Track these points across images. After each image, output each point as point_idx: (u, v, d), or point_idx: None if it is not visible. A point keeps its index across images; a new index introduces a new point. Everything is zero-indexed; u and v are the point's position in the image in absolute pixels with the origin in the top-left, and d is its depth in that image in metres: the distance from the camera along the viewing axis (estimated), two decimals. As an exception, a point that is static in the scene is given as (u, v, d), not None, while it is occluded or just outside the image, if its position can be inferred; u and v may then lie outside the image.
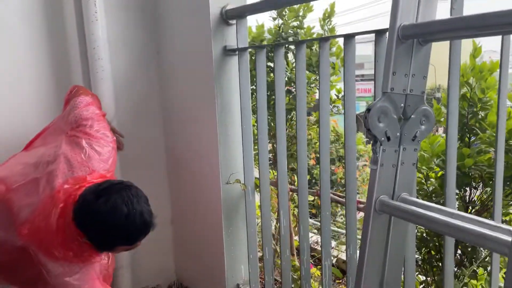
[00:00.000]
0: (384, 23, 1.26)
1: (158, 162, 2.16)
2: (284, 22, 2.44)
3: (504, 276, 1.38)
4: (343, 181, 5.66)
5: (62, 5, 1.90)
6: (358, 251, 1.43)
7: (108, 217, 1.20)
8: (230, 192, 1.84)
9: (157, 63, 2.08)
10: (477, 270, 1.74)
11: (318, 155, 3.94)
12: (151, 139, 2.13)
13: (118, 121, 1.91)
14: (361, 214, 2.82)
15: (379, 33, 1.25)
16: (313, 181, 5.05)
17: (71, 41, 1.90)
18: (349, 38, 1.35)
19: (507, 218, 1.74)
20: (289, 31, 2.44)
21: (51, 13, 1.87)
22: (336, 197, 2.54)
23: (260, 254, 2.03)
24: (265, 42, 2.43)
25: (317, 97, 2.65)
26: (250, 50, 1.76)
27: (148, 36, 2.05)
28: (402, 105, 1.02)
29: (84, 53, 1.86)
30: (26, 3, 1.79)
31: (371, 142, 1.05)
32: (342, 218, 4.87)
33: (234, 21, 1.72)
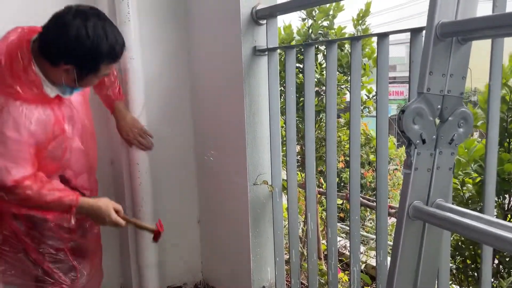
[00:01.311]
0: (418, 25, 1.21)
1: (187, 161, 2.18)
2: (313, 22, 2.41)
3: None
4: (372, 185, 5.56)
5: (95, 5, 1.94)
6: (388, 258, 1.39)
7: (92, 31, 1.26)
8: (257, 193, 1.82)
9: (187, 63, 2.10)
10: (516, 282, 1.65)
11: (347, 158, 3.88)
12: (180, 138, 2.15)
13: (148, 121, 1.93)
14: (392, 219, 2.75)
15: (414, 32, 1.20)
16: (342, 184, 4.98)
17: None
18: (382, 37, 1.31)
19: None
20: (319, 31, 2.40)
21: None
22: (365, 201, 2.49)
23: (286, 257, 2.00)
24: (293, 43, 2.41)
25: (347, 98, 2.61)
26: (279, 51, 1.74)
27: (179, 36, 2.06)
28: (439, 106, 0.97)
29: (117, 53, 1.89)
30: (60, 2, 1.83)
31: (405, 145, 1.01)
32: (371, 223, 4.76)
33: (264, 21, 1.70)
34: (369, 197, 3.01)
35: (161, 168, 2.05)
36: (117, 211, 1.48)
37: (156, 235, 1.59)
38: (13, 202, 1.37)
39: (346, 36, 2.45)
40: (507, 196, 1.68)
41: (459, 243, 1.75)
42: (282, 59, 1.90)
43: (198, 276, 2.26)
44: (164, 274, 2.12)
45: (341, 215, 4.39)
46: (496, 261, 1.72)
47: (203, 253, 2.25)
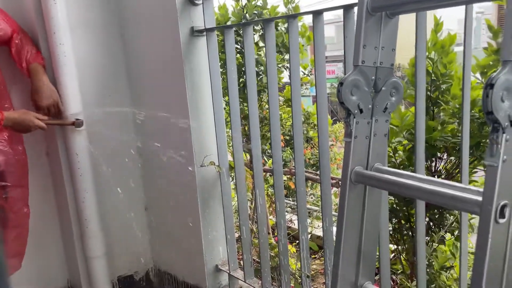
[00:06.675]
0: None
1: (129, 148, 2.12)
2: (247, 2, 2.42)
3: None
4: (311, 161, 5.78)
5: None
6: (334, 225, 1.48)
7: None
8: (205, 175, 1.84)
9: (122, 46, 2.02)
10: (445, 236, 1.83)
11: (286, 137, 3.99)
12: (120, 124, 2.08)
13: (84, 108, 1.85)
14: (333, 189, 2.90)
15: (347, 8, 1.27)
16: (282, 163, 5.13)
17: (29, 26, 1.81)
18: (317, 14, 1.37)
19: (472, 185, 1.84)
20: (253, 11, 2.42)
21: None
22: (308, 174, 2.60)
23: (237, 235, 2.05)
24: (229, 23, 2.41)
25: (284, 78, 2.67)
26: (217, 31, 1.74)
27: (111, 19, 1.97)
28: (373, 77, 1.04)
29: (44, 38, 1.78)
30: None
31: (344, 116, 1.07)
32: (312, 197, 4.98)
33: (200, 1, 1.69)
34: (310, 171, 3.14)
35: (102, 156, 1.99)
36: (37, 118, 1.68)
37: (76, 123, 1.80)
38: None
39: (279, 15, 2.49)
40: (433, 159, 1.84)
41: (394, 205, 1.90)
42: (219, 40, 1.90)
43: (149, 263, 2.25)
44: (113, 265, 2.08)
45: (284, 192, 4.53)
46: (427, 219, 1.90)
47: (152, 240, 2.23)
